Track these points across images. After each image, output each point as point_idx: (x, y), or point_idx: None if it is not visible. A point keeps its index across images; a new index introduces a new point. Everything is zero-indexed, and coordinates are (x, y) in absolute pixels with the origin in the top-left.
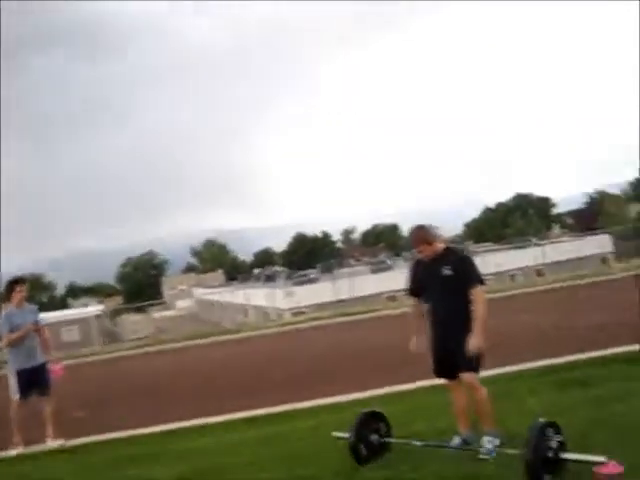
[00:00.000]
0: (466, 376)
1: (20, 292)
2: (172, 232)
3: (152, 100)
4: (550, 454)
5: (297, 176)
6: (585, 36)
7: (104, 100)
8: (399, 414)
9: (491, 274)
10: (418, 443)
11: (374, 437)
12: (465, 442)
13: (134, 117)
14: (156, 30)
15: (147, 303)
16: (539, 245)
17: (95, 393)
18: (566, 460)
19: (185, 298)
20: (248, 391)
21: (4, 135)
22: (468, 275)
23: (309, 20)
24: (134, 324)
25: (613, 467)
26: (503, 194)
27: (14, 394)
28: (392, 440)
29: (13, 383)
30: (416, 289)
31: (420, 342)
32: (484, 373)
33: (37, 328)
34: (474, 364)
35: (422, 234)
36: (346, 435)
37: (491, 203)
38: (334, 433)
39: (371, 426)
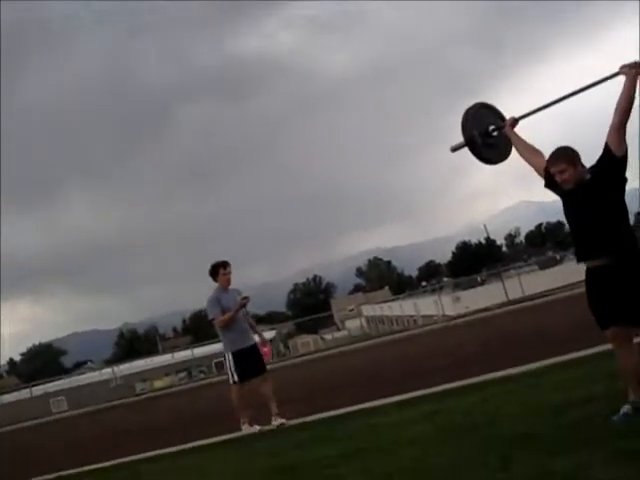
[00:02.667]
0: None
1: (225, 274)
2: (336, 256)
3: (300, 131)
4: None
5: (450, 188)
6: None
7: (254, 138)
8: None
9: None
10: None
11: (491, 128)
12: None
13: (282, 151)
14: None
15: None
16: None
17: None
18: None
19: (354, 318)
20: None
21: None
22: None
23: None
24: (304, 346)
25: None
26: None
27: (232, 377)
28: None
29: (231, 366)
30: (552, 179)
31: None
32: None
33: (243, 304)
34: None
35: (566, 152)
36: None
37: None
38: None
39: (486, 119)
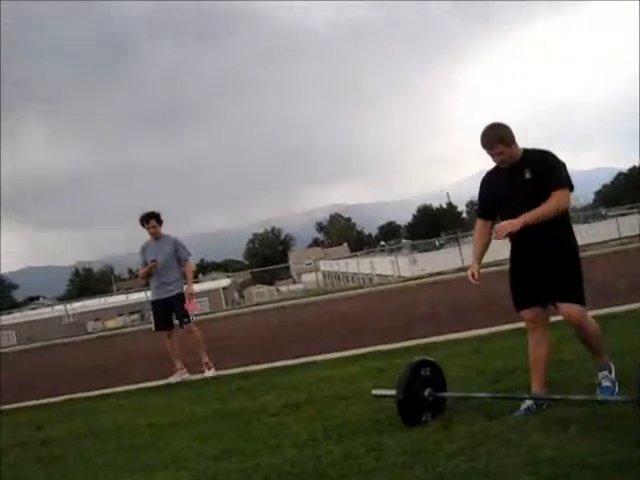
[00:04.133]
0: (566, 308)
1: (149, 228)
2: (297, 209)
3: (270, 82)
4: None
5: (419, 151)
6: None
7: (221, 84)
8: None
9: (627, 237)
10: (482, 395)
11: (427, 392)
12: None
13: (253, 100)
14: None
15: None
16: None
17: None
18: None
19: (311, 272)
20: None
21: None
22: (550, 175)
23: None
24: (259, 295)
25: None
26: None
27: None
28: (449, 394)
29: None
30: (489, 207)
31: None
32: None
33: (181, 262)
34: (577, 293)
35: (500, 133)
36: (391, 392)
37: (624, 168)
38: (374, 391)
39: (422, 378)
